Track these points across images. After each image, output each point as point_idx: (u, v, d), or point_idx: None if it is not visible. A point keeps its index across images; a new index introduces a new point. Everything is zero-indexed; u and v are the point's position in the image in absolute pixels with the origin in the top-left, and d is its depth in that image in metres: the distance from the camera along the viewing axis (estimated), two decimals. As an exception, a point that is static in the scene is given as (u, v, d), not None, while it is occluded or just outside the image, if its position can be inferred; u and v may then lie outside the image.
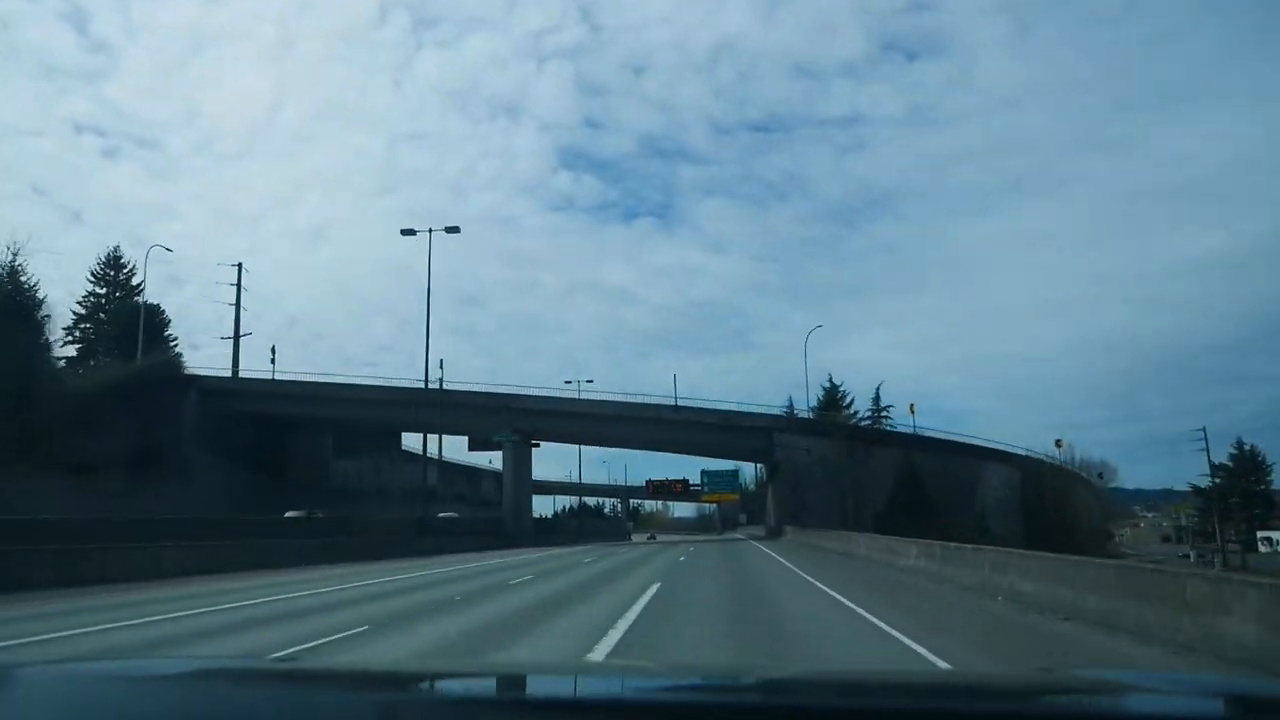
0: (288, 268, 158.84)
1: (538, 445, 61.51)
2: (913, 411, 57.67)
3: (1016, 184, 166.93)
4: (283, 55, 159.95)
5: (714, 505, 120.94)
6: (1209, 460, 69.47)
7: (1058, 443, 64.88)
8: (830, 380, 71.75)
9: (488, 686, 2.22)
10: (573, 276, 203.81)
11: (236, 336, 68.68)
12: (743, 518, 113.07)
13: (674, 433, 55.94)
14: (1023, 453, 60.29)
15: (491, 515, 61.38)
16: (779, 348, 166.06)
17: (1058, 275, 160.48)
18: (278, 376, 57.67)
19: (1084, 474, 67.35)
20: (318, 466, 63.92)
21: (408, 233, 42.85)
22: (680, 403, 54.81)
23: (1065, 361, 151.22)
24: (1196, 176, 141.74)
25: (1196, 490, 73.58)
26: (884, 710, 1.65)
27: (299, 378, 58.25)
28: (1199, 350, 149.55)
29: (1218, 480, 69.74)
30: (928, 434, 57.30)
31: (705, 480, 75.55)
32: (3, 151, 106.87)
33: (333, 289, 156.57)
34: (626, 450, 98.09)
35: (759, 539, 57.70)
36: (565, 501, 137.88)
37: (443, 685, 2.16)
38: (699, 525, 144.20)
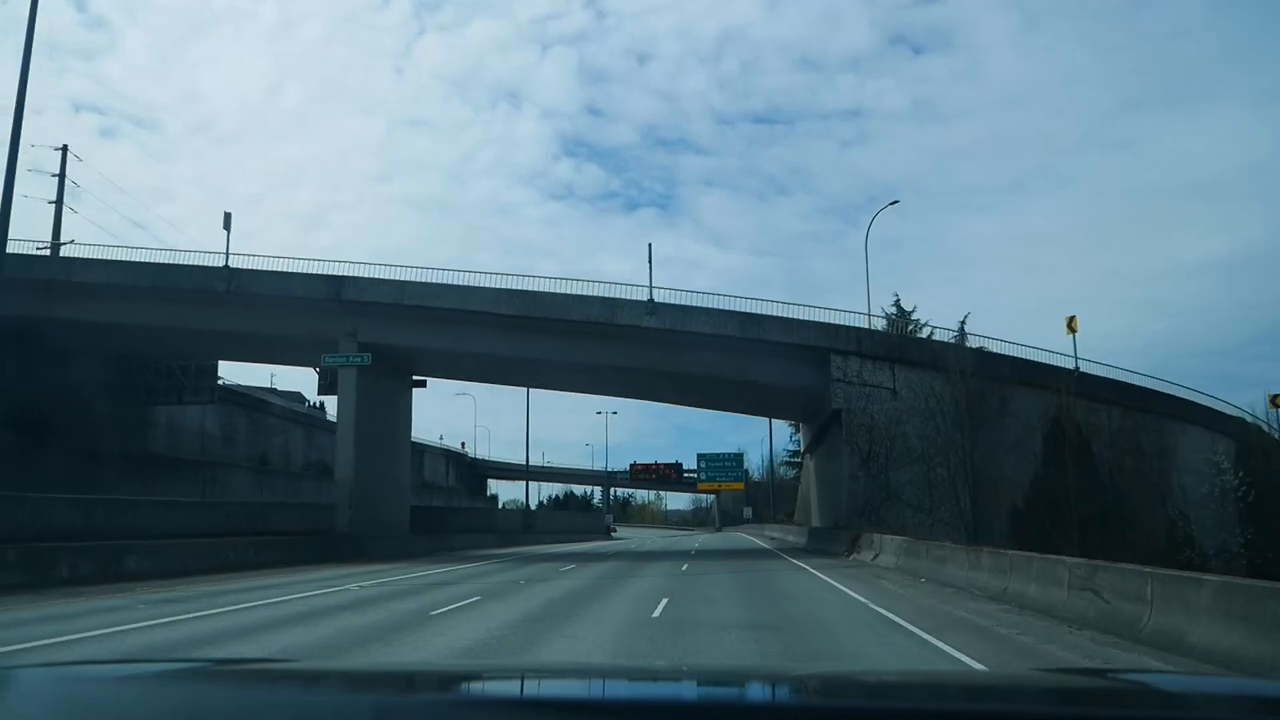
0: (286, 252, 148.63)
1: (423, 384, 36.58)
2: (1071, 330, 32.35)
3: (1020, 182, 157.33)
4: (283, 37, 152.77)
5: (712, 496, 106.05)
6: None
7: (1274, 400, 39.97)
8: (897, 303, 47.01)
9: (488, 687, 2.16)
10: (572, 266, 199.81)
11: (55, 244, 45.57)
12: (747, 512, 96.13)
13: (651, 354, 30.41)
14: (1246, 415, 35.46)
15: (300, 501, 36.07)
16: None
17: (1060, 274, 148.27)
18: None
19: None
20: (110, 421, 38.07)
21: None
22: (660, 298, 29.52)
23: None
24: (1201, 177, 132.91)
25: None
26: (894, 710, 1.63)
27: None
28: (1197, 352, 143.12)
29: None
30: (1095, 374, 32.47)
31: (703, 465, 67.29)
32: (0, 128, 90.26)
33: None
34: (602, 411, 76.07)
35: (798, 552, 32.62)
36: (553, 490, 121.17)
37: (442, 685, 2.16)
38: (694, 519, 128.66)
